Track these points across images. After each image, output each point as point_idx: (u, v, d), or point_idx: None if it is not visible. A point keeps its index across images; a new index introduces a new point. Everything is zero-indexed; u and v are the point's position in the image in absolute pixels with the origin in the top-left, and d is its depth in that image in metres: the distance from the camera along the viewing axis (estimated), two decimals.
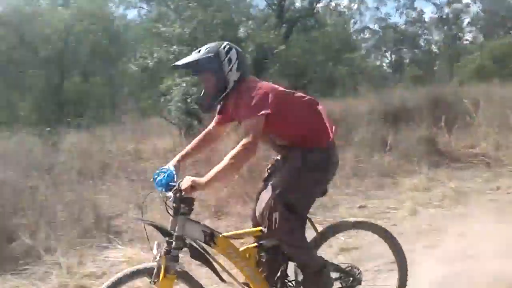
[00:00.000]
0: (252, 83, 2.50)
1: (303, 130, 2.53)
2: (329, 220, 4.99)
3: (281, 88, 2.57)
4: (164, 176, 2.39)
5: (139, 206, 2.86)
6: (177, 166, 2.58)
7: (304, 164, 2.47)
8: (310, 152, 2.49)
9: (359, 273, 2.76)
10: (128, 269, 2.40)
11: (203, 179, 2.27)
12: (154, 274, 2.27)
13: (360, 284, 2.76)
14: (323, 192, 2.68)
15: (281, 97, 2.49)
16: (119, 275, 2.33)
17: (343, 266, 2.78)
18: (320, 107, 2.62)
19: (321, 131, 2.56)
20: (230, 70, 2.47)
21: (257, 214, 2.59)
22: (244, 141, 2.31)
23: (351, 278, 2.73)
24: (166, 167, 2.52)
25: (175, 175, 2.42)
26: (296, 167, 2.48)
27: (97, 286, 2.75)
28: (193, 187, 2.24)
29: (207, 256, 2.43)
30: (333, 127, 2.59)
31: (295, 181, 2.48)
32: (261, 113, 2.34)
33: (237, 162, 2.32)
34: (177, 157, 2.67)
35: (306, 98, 2.62)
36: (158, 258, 2.28)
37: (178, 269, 2.30)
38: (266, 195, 2.50)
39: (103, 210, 5.67)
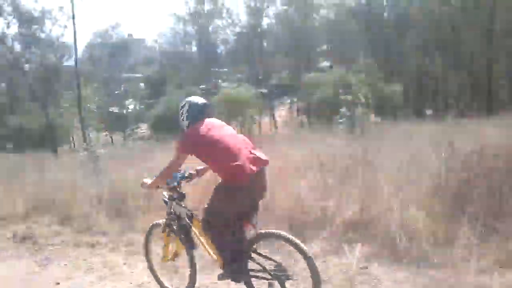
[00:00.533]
0: (191, 130, 3.84)
1: (215, 169, 3.78)
2: None
3: (209, 135, 3.70)
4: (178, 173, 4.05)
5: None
6: (198, 171, 4.27)
7: (215, 196, 3.70)
8: (220, 187, 3.67)
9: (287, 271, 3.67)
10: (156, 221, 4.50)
11: (149, 182, 4.05)
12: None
13: (291, 279, 3.70)
14: (238, 217, 3.73)
15: (198, 143, 3.71)
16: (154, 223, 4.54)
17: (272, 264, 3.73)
18: (243, 150, 3.64)
19: (232, 173, 3.56)
20: (182, 119, 3.95)
21: None
22: (169, 162, 3.82)
23: (282, 274, 3.65)
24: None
25: (182, 175, 4.10)
26: (211, 198, 3.74)
27: None
28: (141, 185, 4.22)
29: (189, 228, 4.04)
30: (255, 167, 3.59)
31: (209, 207, 3.76)
32: (178, 152, 3.77)
33: (165, 175, 3.88)
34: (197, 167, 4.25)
35: (225, 144, 3.63)
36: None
37: (171, 231, 4.20)
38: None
39: None
